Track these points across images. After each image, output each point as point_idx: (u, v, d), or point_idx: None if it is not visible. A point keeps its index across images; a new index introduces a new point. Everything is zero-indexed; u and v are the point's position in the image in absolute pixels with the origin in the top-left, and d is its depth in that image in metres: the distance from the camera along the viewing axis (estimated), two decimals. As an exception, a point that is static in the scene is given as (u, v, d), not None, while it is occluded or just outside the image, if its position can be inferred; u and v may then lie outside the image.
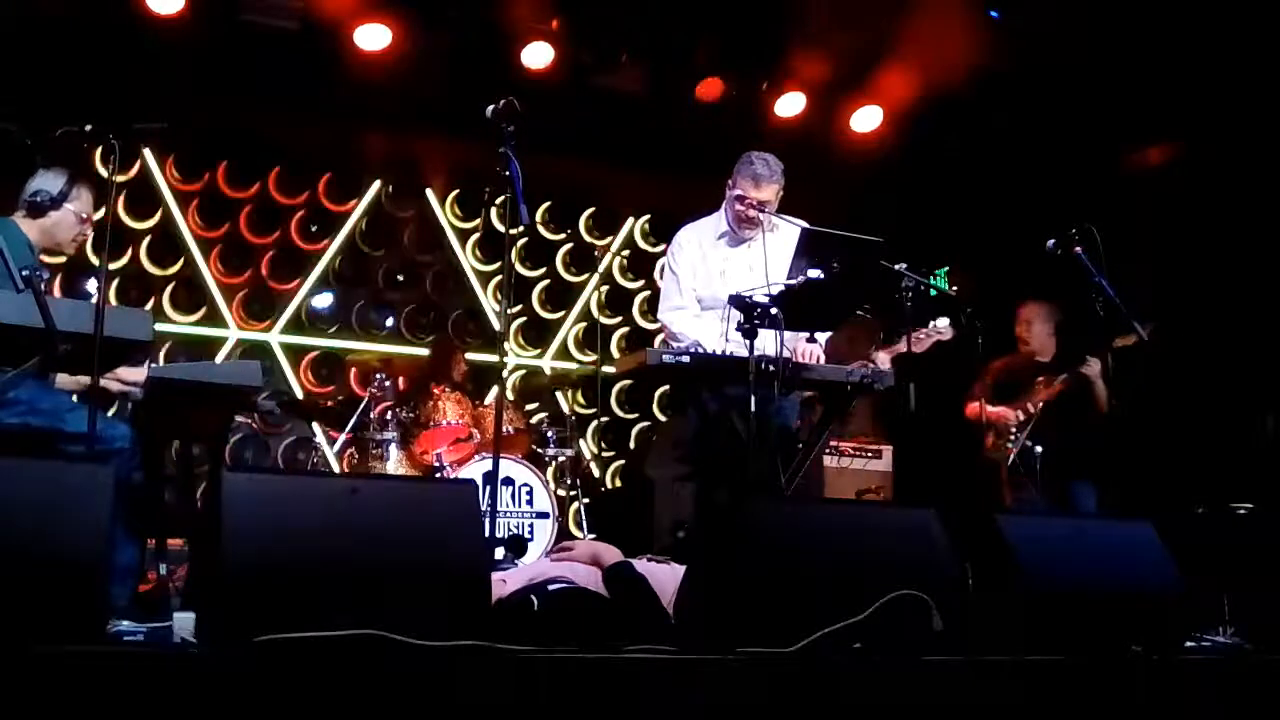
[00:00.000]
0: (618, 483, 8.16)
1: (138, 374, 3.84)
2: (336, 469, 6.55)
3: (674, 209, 6.07)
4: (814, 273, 3.98)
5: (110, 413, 4.30)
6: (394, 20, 6.41)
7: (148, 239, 7.18)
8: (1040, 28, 6.27)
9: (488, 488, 4.85)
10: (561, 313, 8.31)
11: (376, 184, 7.79)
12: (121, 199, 7.00)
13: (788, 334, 4.09)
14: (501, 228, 4.33)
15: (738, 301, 3.97)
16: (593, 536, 5.96)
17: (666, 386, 6.70)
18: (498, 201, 4.08)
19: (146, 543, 4.21)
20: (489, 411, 6.56)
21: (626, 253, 8.48)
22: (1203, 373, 6.18)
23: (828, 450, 6.49)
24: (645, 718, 2.29)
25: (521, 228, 4.12)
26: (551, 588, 3.01)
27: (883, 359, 4.73)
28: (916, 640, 2.64)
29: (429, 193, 7.96)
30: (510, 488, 6.18)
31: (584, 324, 8.30)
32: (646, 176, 7.90)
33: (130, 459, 3.75)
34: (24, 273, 3.12)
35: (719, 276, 4.58)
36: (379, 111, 6.98)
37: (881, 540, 2.86)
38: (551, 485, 6.42)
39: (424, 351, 7.50)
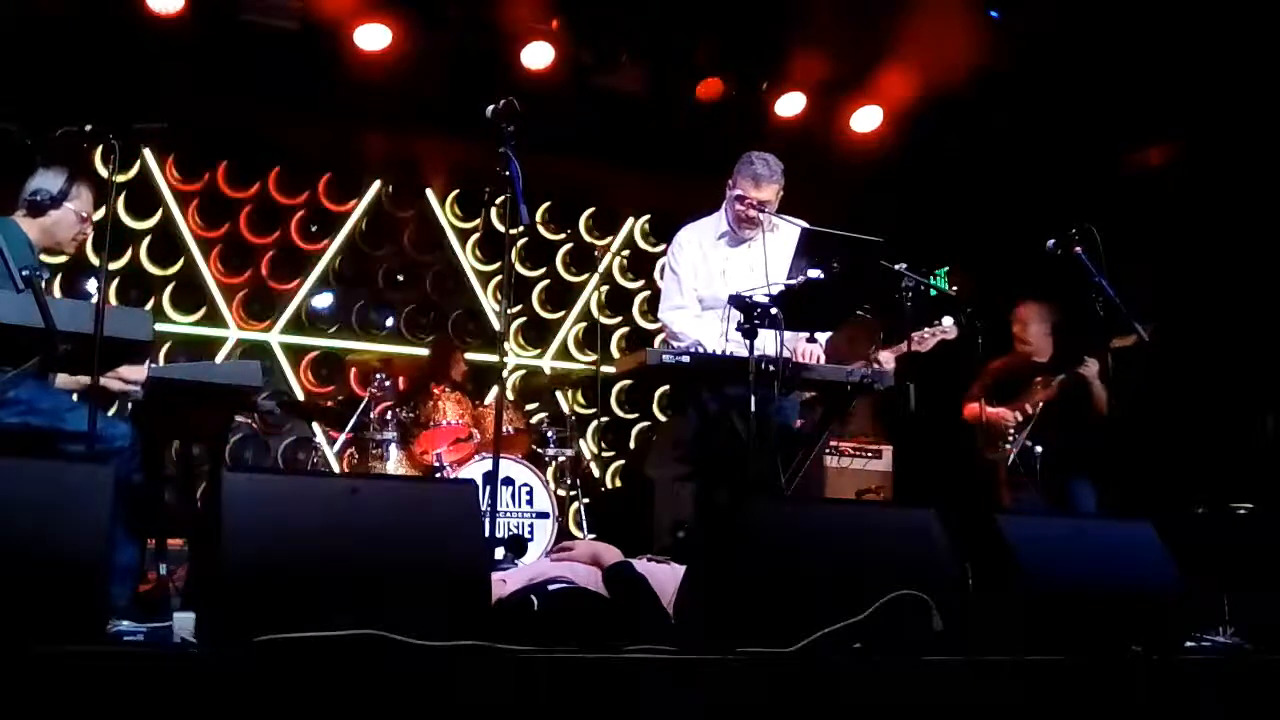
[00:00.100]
0: (618, 483, 8.16)
1: (138, 372, 3.84)
2: (336, 469, 6.55)
3: (674, 209, 6.07)
4: (814, 273, 3.98)
5: (110, 412, 4.30)
6: (394, 20, 6.40)
7: (148, 239, 7.17)
8: (1040, 28, 6.27)
9: (488, 488, 4.85)
10: (561, 313, 8.31)
11: (376, 184, 7.79)
12: (121, 199, 6.99)
13: (788, 334, 4.09)
14: (501, 228, 4.33)
15: (738, 301, 3.97)
16: (593, 536, 5.95)
17: (666, 386, 6.71)
18: (498, 201, 4.08)
19: (146, 543, 4.21)
20: (489, 411, 6.55)
21: (626, 253, 8.48)
22: (1202, 373, 6.18)
23: (828, 450, 6.49)
24: (645, 718, 2.29)
25: (521, 228, 4.11)
26: (551, 588, 3.01)
27: (886, 358, 4.72)
28: (916, 640, 2.64)
29: (429, 193, 7.96)
30: (510, 488, 6.18)
31: (584, 324, 8.30)
32: (646, 176, 7.90)
33: (130, 459, 3.74)
34: (24, 272, 3.11)
35: (719, 276, 4.58)
36: (379, 111, 6.98)
37: (881, 540, 2.86)
38: (551, 485, 6.42)
39: (424, 351, 7.50)
